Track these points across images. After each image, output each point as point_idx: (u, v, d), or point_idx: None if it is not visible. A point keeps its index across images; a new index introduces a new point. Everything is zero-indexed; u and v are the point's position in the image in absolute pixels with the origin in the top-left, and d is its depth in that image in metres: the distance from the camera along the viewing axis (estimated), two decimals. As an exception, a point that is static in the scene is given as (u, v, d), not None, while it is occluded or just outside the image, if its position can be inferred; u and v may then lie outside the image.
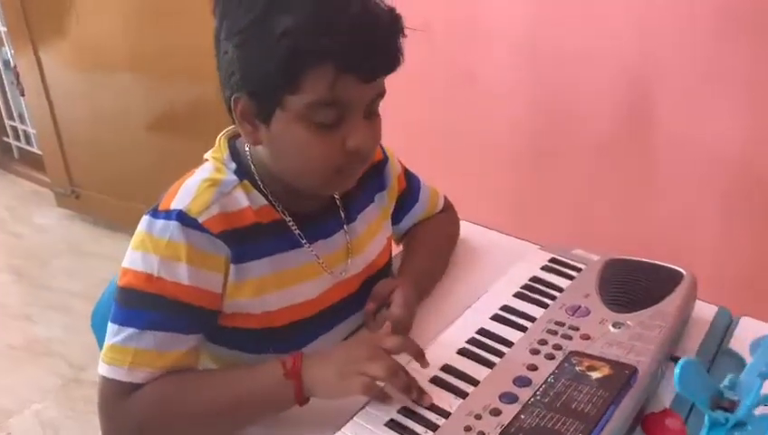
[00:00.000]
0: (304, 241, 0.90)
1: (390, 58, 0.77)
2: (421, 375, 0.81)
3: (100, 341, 1.02)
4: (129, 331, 0.79)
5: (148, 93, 2.43)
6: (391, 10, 0.78)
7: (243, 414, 0.80)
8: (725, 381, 0.75)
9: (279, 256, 0.87)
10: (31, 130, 3.23)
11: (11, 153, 3.43)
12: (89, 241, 2.78)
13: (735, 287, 1.25)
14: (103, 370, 0.81)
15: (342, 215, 0.96)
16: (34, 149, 3.26)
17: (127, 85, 2.44)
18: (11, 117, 3.33)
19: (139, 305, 0.80)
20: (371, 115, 0.81)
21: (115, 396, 0.80)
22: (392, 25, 0.77)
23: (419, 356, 0.82)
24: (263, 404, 0.80)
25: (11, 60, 3.03)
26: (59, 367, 2.11)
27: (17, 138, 3.38)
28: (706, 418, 0.71)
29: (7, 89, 3.28)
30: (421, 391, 0.78)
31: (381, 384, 0.77)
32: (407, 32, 0.78)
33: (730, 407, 0.71)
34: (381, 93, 0.81)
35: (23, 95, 2.91)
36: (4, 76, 3.26)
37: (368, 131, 0.80)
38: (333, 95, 0.75)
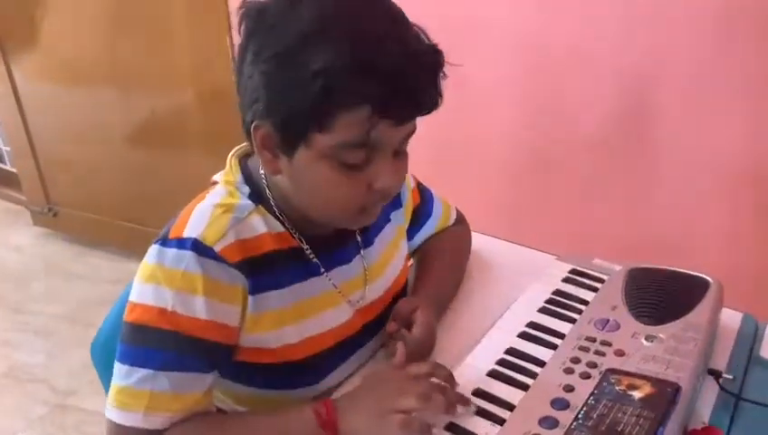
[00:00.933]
0: (322, 269, 0.85)
1: (430, 101, 0.71)
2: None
3: (103, 375, 0.96)
4: (143, 372, 0.73)
5: (127, 106, 2.35)
6: (433, 47, 0.72)
7: None
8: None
9: (297, 286, 0.82)
10: (4, 148, 3.13)
11: (-17, 172, 3.32)
12: (68, 260, 2.68)
13: (744, 292, 1.23)
14: (114, 415, 0.74)
15: (359, 239, 0.91)
16: (8, 167, 3.16)
17: (104, 98, 2.37)
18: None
19: (152, 344, 0.74)
20: (400, 154, 0.77)
21: None
22: (434, 66, 0.71)
23: (449, 379, 0.79)
24: None
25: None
26: (43, 394, 2.00)
27: (-11, 156, 3.28)
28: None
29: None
30: (464, 400, 0.76)
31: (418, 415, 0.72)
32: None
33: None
34: (413, 131, 0.75)
35: (-6, 112, 2.81)
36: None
37: (395, 171, 0.75)
38: (366, 138, 0.70)
